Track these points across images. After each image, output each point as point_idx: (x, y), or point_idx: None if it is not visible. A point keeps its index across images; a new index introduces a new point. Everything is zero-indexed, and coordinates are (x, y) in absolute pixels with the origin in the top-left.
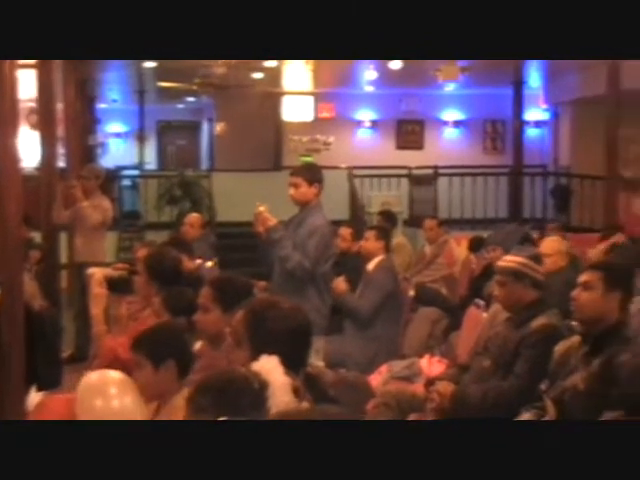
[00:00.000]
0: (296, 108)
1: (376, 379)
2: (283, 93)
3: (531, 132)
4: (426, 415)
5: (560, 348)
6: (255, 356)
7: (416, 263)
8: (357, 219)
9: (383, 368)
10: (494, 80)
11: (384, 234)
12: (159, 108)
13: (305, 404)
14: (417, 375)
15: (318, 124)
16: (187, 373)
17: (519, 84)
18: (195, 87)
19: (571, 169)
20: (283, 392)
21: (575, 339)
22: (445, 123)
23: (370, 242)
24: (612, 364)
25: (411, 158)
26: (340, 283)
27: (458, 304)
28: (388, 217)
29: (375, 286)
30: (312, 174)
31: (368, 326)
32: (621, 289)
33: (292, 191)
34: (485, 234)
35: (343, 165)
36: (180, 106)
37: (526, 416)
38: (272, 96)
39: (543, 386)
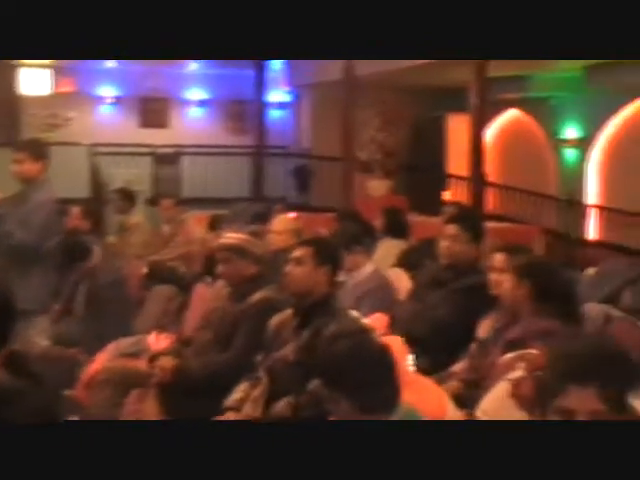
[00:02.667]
0: (32, 81)
1: (102, 357)
2: (19, 65)
3: (274, 113)
4: (149, 390)
5: (275, 320)
6: None
7: (155, 242)
8: (97, 197)
9: (111, 346)
10: (238, 61)
11: (90, 214)
12: None
13: None
14: (144, 351)
15: (58, 99)
16: None
17: (261, 65)
18: None
19: (312, 150)
20: None
21: (289, 312)
22: (189, 102)
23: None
24: (319, 335)
25: (155, 136)
26: None
27: (193, 281)
28: (125, 195)
29: None
30: (37, 150)
31: (96, 305)
32: (330, 264)
33: (16, 167)
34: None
35: (84, 142)
36: None
37: (243, 387)
38: (7, 68)
39: (259, 357)
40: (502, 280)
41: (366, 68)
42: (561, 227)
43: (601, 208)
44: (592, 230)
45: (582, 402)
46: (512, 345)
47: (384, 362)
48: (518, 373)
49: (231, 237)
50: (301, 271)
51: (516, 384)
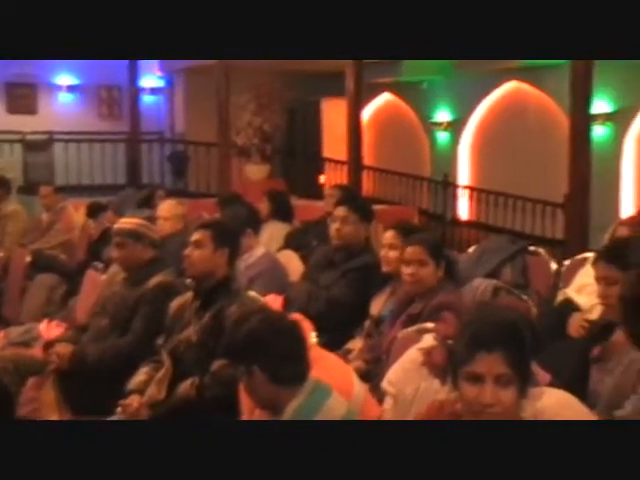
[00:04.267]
0: None
1: None
2: None
3: (147, 99)
4: (48, 376)
5: (175, 304)
6: None
7: (33, 230)
8: None
9: None
10: None
11: None
12: None
13: None
14: (36, 339)
15: None
16: None
17: None
18: None
19: (186, 136)
20: None
21: (189, 295)
22: (59, 88)
23: None
24: (221, 316)
25: (24, 123)
26: None
27: (76, 269)
28: (1, 183)
29: None
30: None
31: None
32: (229, 246)
33: None
34: (104, 200)
35: None
36: None
37: (145, 369)
38: None
39: (160, 340)
40: (391, 256)
41: None
42: (435, 208)
43: (473, 189)
44: (465, 210)
45: (489, 367)
46: (414, 319)
47: (295, 336)
48: (429, 342)
49: (127, 222)
50: (201, 254)
51: (427, 352)
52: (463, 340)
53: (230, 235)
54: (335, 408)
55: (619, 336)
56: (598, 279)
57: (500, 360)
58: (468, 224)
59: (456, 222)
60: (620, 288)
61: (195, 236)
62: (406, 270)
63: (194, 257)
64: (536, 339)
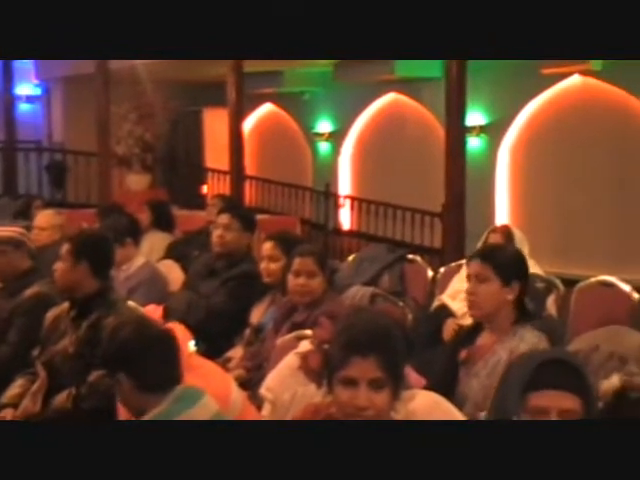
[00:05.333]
0: None
1: None
2: None
3: (24, 107)
4: None
5: (51, 315)
6: None
7: None
8: None
9: None
10: None
11: None
12: None
13: None
14: None
15: None
16: None
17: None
18: None
19: (65, 145)
20: None
21: (65, 305)
22: None
23: None
24: (97, 327)
25: None
26: None
27: None
28: None
29: None
30: None
31: None
32: (88, 259)
33: None
34: None
35: None
36: None
37: (20, 382)
38: None
39: (35, 352)
40: (272, 268)
41: (119, 61)
42: (317, 218)
43: (354, 199)
44: (347, 220)
45: (364, 371)
46: (298, 327)
47: (165, 344)
48: (306, 347)
49: (6, 229)
50: (62, 267)
51: (304, 357)
52: (338, 345)
53: (89, 248)
54: (199, 415)
55: (485, 339)
56: (469, 276)
57: (374, 365)
58: (350, 233)
59: (338, 232)
60: None
61: (62, 249)
62: (296, 281)
63: (57, 271)
64: (409, 344)
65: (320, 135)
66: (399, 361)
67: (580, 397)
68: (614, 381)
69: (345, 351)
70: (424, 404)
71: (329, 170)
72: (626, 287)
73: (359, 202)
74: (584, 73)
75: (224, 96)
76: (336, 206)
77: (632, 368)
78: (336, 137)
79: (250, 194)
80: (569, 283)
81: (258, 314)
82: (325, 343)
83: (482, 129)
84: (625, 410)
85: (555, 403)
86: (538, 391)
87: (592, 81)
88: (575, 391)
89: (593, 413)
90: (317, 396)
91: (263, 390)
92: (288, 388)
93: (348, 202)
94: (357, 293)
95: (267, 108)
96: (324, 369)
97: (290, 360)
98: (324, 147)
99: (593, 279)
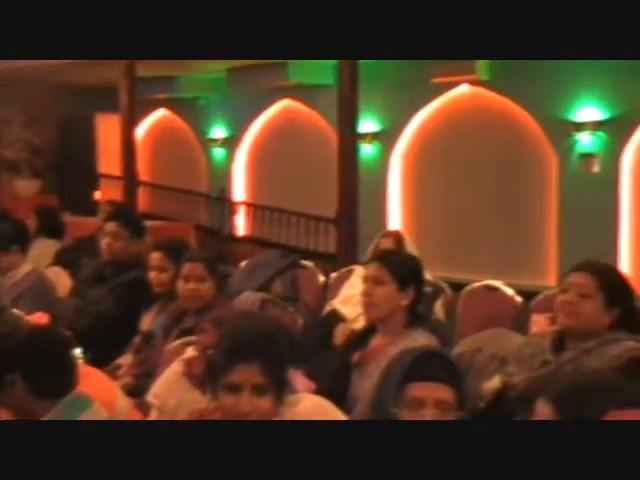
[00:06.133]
0: None
1: None
2: None
3: None
4: None
5: None
6: None
7: None
8: None
9: None
10: None
11: None
12: None
13: None
14: None
15: None
16: None
17: None
18: None
19: None
20: None
21: None
22: None
23: None
24: None
25: None
26: None
27: None
28: None
29: None
30: None
31: None
32: None
33: None
34: None
35: None
36: None
37: None
38: None
39: None
40: (161, 278)
41: (4, 63)
42: (212, 223)
43: (249, 205)
44: (241, 226)
45: (247, 377)
46: (187, 333)
47: (63, 349)
48: (190, 353)
49: None
50: None
51: (188, 363)
52: (222, 351)
53: None
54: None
55: (377, 340)
56: (366, 278)
57: (257, 370)
58: (244, 239)
59: (232, 237)
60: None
61: None
62: (186, 286)
63: None
64: (294, 349)
65: (215, 141)
66: (282, 366)
67: (454, 388)
68: (495, 381)
69: (228, 357)
70: (308, 408)
71: (224, 176)
72: (510, 291)
73: (254, 208)
74: (472, 83)
75: (117, 101)
76: (231, 212)
77: (511, 369)
78: (231, 143)
79: (144, 200)
80: (456, 287)
81: (148, 321)
82: (209, 349)
83: (375, 136)
84: (504, 409)
85: (430, 394)
86: (414, 382)
87: (480, 90)
88: (449, 383)
89: (467, 404)
90: (202, 402)
91: (150, 397)
92: (174, 394)
93: (243, 208)
94: (248, 299)
95: (161, 113)
96: (207, 375)
97: (175, 366)
98: (219, 153)
99: (479, 283)
